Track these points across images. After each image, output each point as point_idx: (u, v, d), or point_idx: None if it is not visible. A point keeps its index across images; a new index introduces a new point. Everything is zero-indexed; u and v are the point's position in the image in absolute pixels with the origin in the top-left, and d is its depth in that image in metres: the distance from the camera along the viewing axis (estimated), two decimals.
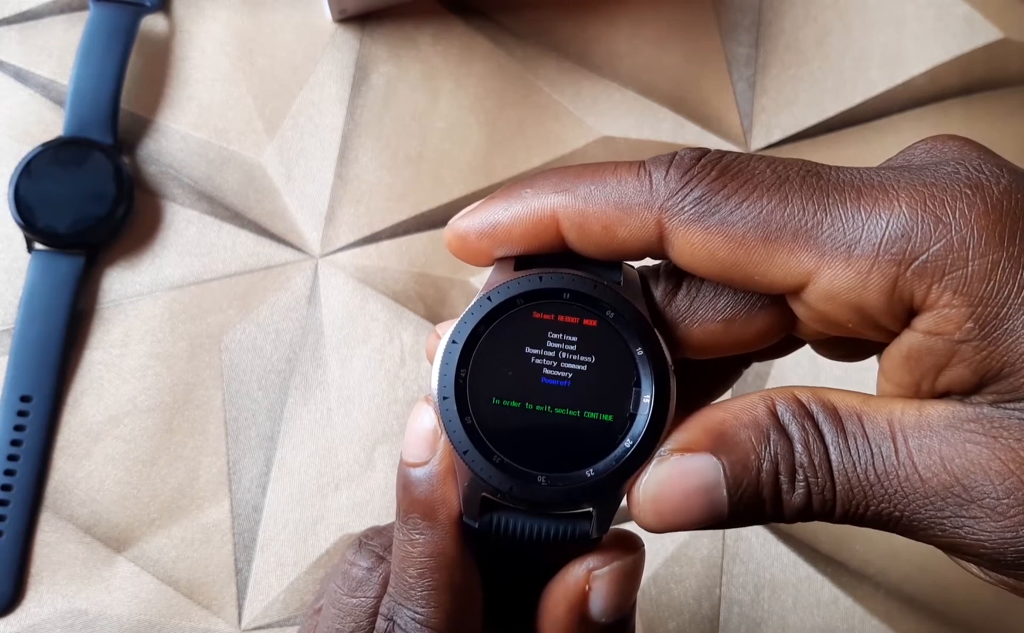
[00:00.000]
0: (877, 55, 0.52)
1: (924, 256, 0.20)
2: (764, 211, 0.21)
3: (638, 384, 0.23)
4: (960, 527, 0.20)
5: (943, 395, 0.22)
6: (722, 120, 0.51)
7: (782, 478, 0.22)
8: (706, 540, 0.44)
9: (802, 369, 0.46)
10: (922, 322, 0.21)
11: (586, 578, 0.25)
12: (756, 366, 0.47)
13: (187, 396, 0.44)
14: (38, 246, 0.45)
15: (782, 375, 0.46)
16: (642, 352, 0.23)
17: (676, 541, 0.44)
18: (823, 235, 0.21)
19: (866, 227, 0.21)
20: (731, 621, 0.43)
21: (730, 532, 0.44)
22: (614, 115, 0.50)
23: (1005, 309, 0.20)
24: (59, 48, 0.49)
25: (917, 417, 0.21)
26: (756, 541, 0.44)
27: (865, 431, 0.21)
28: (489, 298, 0.23)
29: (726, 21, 0.52)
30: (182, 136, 0.48)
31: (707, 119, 0.51)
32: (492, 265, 0.25)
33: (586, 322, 0.23)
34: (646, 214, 0.22)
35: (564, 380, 0.23)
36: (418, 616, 0.24)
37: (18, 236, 0.45)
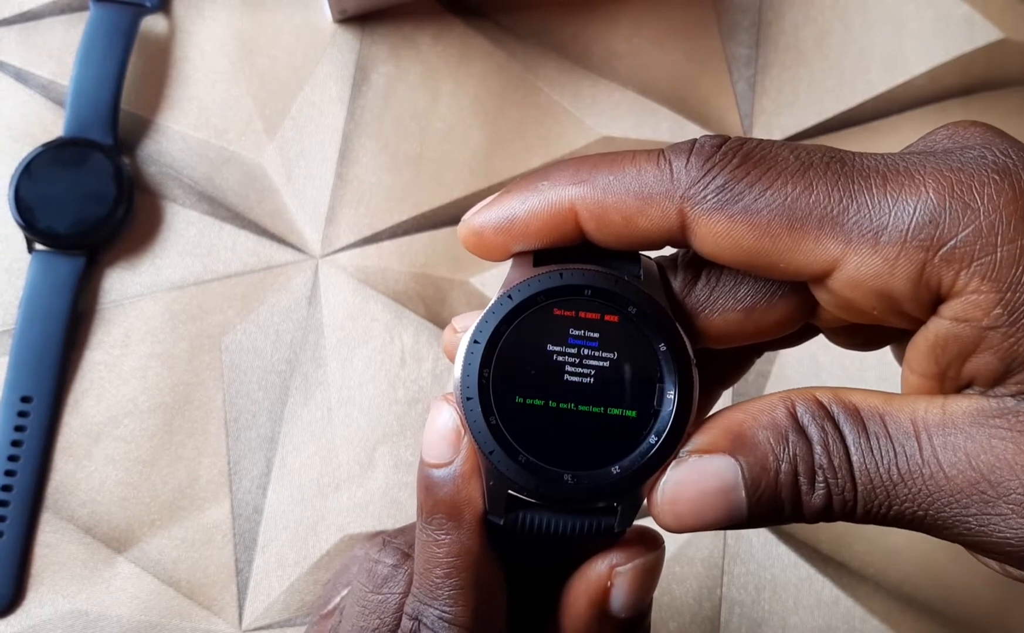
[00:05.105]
0: (877, 55, 0.52)
1: (952, 242, 0.20)
2: (789, 198, 0.21)
3: (661, 380, 0.23)
4: (986, 525, 0.20)
5: (968, 385, 0.22)
6: (722, 120, 0.51)
7: (801, 479, 0.22)
8: (707, 540, 0.44)
9: (803, 366, 0.47)
10: (949, 309, 0.21)
11: (608, 574, 0.25)
12: (757, 364, 0.47)
13: (187, 397, 0.44)
14: (38, 247, 0.45)
15: (783, 373, 0.47)
16: (665, 348, 0.23)
17: (677, 541, 0.44)
18: (849, 221, 0.21)
19: (893, 213, 0.20)
20: (732, 621, 0.43)
21: (731, 532, 0.44)
22: (614, 115, 0.50)
23: None
24: (59, 48, 0.49)
25: (941, 414, 0.21)
26: (757, 542, 0.44)
27: (888, 431, 0.21)
28: (510, 296, 0.23)
29: (726, 21, 0.52)
30: (182, 136, 0.48)
31: (707, 119, 0.51)
32: (508, 260, 0.25)
33: (608, 318, 0.23)
34: (667, 203, 0.22)
35: (587, 377, 0.23)
36: (445, 615, 0.24)
37: (18, 237, 0.45)
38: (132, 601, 0.42)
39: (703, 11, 0.52)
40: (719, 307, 0.24)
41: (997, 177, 0.20)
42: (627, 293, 0.23)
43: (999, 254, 0.20)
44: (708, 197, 0.22)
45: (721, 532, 0.44)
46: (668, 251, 0.25)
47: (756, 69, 0.52)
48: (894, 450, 0.21)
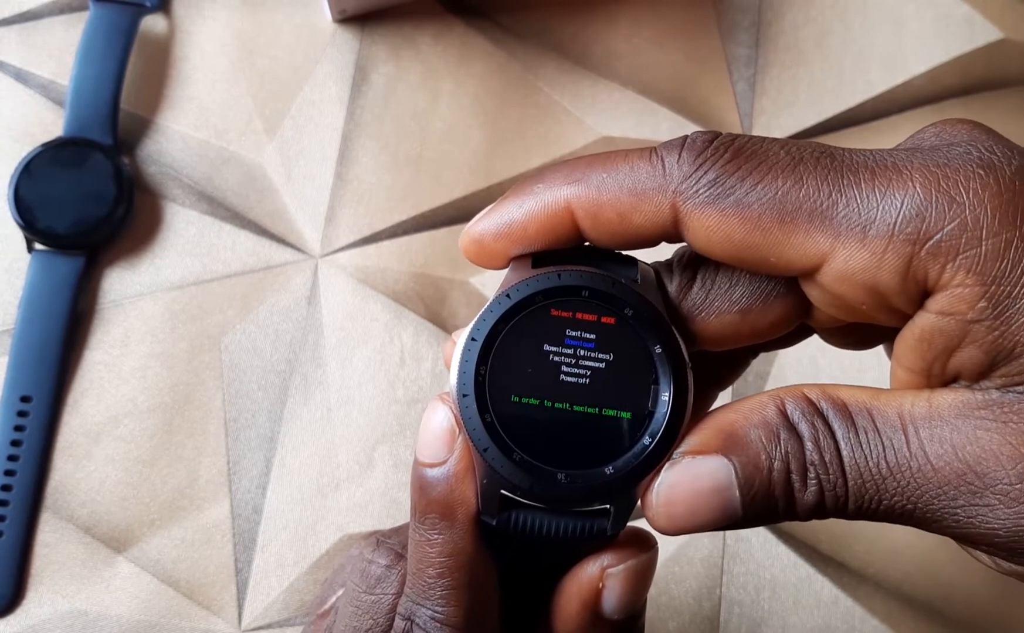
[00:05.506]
0: (877, 55, 0.52)
1: (938, 236, 0.20)
2: (779, 192, 0.21)
3: (656, 382, 0.23)
4: (974, 516, 0.20)
5: (954, 379, 0.22)
6: (722, 120, 0.51)
7: (794, 476, 0.22)
8: (706, 540, 0.44)
9: (802, 368, 0.47)
10: (935, 302, 0.21)
11: (600, 576, 0.25)
12: (756, 365, 0.47)
13: (187, 397, 0.44)
14: (38, 246, 0.45)
15: (782, 374, 0.46)
16: (660, 350, 0.23)
17: (676, 541, 0.44)
18: (838, 216, 0.21)
19: (881, 207, 0.21)
20: (731, 621, 0.43)
21: (730, 532, 0.44)
22: (614, 115, 0.50)
23: (1018, 288, 0.20)
24: (59, 48, 0.49)
25: (927, 408, 0.21)
26: (756, 541, 0.44)
27: (876, 425, 0.21)
28: (508, 295, 0.24)
29: (726, 21, 0.52)
30: (182, 136, 0.48)
31: (707, 119, 0.51)
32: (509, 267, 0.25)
33: (604, 320, 0.24)
34: (660, 199, 0.22)
35: (582, 378, 0.23)
36: (438, 615, 0.25)
37: (18, 236, 0.45)
38: (132, 601, 0.42)
39: (703, 11, 0.52)
40: (715, 309, 0.24)
41: (982, 172, 0.20)
42: (624, 295, 0.23)
43: (984, 247, 0.20)
44: (700, 191, 0.22)
45: (720, 532, 0.44)
46: (665, 256, 0.25)
47: (756, 69, 0.52)
48: (882, 444, 0.21)
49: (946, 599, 0.44)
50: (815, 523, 0.45)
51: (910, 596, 0.44)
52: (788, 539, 0.45)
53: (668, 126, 0.50)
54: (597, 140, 0.50)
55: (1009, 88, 0.52)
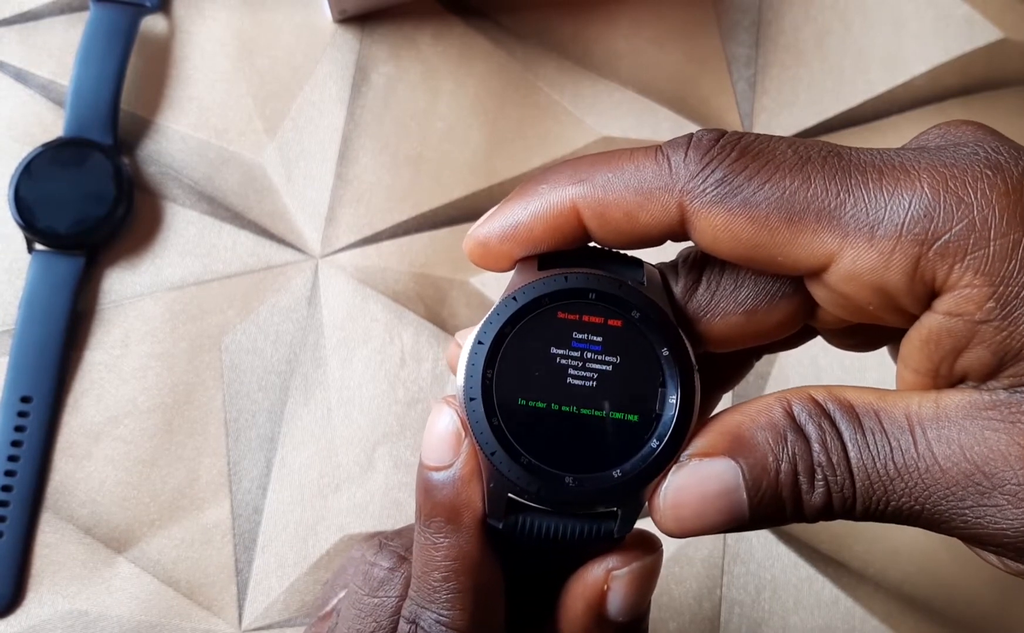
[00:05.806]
0: (877, 55, 0.52)
1: (946, 236, 0.20)
2: (787, 192, 0.21)
3: (664, 384, 0.23)
4: (982, 517, 0.20)
5: (961, 380, 0.22)
6: (722, 120, 0.51)
7: (801, 478, 0.22)
8: (707, 540, 0.44)
9: (803, 368, 0.47)
10: (943, 303, 0.21)
11: (605, 578, 0.25)
12: (757, 367, 0.47)
13: (187, 397, 0.44)
14: (38, 246, 0.45)
15: (783, 375, 0.47)
16: (667, 352, 0.23)
17: (677, 541, 0.44)
18: (846, 215, 0.21)
19: (888, 207, 0.21)
20: (732, 622, 0.43)
21: (731, 533, 0.44)
22: (614, 115, 0.50)
23: None
24: (59, 48, 0.49)
25: (935, 408, 0.21)
26: (757, 542, 0.44)
27: (883, 426, 0.21)
28: (515, 298, 0.23)
29: (726, 21, 0.52)
30: (182, 136, 0.48)
31: (707, 119, 0.51)
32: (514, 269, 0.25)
33: (611, 322, 0.24)
34: (667, 198, 0.22)
35: (589, 380, 0.23)
36: (443, 619, 0.24)
37: (18, 236, 0.45)
38: (132, 601, 0.42)
39: (703, 11, 0.52)
40: (720, 311, 0.24)
41: (989, 172, 0.20)
42: (630, 297, 0.23)
43: (992, 248, 0.20)
44: (707, 190, 0.22)
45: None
46: (669, 256, 0.25)
47: (756, 69, 0.52)
48: (890, 445, 0.21)
49: (947, 599, 0.44)
50: (816, 524, 0.45)
51: (910, 596, 0.44)
52: (789, 539, 0.45)
53: (668, 126, 0.50)
54: (597, 140, 0.50)
55: (1009, 88, 0.52)
